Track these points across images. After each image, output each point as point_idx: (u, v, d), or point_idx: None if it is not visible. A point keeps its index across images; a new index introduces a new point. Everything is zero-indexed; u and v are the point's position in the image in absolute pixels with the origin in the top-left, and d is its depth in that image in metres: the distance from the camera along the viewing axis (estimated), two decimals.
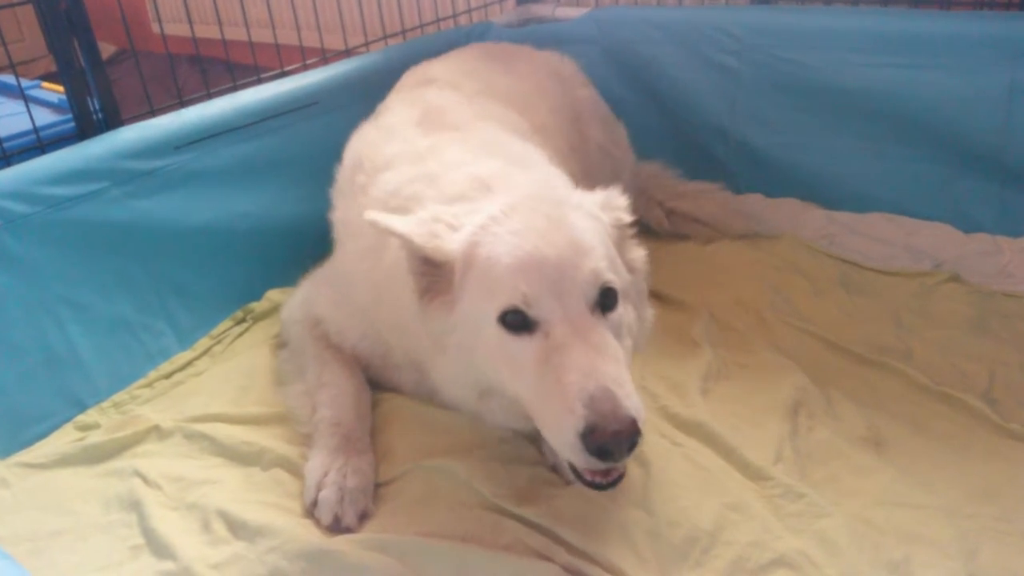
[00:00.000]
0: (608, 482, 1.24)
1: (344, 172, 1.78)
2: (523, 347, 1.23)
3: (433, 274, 1.36)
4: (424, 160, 1.60)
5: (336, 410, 1.57)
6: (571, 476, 1.30)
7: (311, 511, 1.41)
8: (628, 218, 1.43)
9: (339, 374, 1.66)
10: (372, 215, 1.37)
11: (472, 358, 1.33)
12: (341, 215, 1.74)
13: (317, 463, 1.47)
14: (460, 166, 1.53)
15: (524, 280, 1.23)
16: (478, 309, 1.29)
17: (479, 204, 1.38)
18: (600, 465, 1.15)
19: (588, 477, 1.24)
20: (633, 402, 1.15)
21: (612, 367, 1.17)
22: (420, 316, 1.39)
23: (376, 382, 1.72)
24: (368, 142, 1.76)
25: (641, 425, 1.14)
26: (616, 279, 1.29)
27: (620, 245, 1.40)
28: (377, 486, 1.49)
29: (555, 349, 1.19)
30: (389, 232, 1.35)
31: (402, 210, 1.49)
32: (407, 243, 1.35)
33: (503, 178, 1.47)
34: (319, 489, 1.42)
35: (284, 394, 1.71)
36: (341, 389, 1.62)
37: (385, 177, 1.61)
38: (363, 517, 1.41)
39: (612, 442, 1.11)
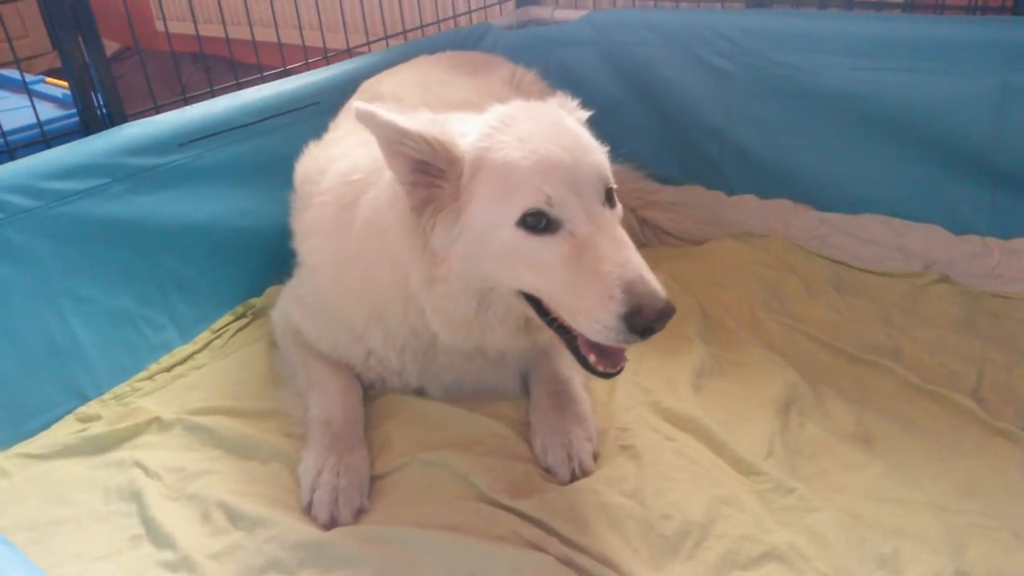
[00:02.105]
0: (616, 371, 1.33)
1: (296, 193, 1.80)
2: (547, 246, 1.28)
3: (430, 184, 1.35)
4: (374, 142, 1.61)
5: (325, 409, 1.59)
6: (579, 365, 1.36)
7: (308, 512, 1.43)
8: (585, 114, 1.51)
9: (326, 374, 1.67)
10: (361, 105, 1.32)
11: (479, 263, 1.34)
12: (299, 228, 1.74)
13: (310, 463, 1.48)
14: None
15: (546, 182, 1.27)
16: (491, 213, 1.31)
17: (467, 120, 1.39)
18: (639, 341, 1.22)
19: (601, 368, 1.33)
20: (659, 284, 1.23)
21: (636, 256, 1.26)
22: (413, 235, 1.37)
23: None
24: (314, 156, 1.78)
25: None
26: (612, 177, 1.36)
27: None
28: (374, 479, 1.51)
29: (585, 245, 1.26)
30: (388, 126, 1.30)
31: (362, 187, 1.52)
32: (412, 137, 1.31)
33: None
34: (313, 490, 1.44)
35: (280, 397, 1.73)
36: (328, 389, 1.64)
37: (336, 166, 1.63)
38: (359, 513, 1.43)
39: (657, 320, 1.20)
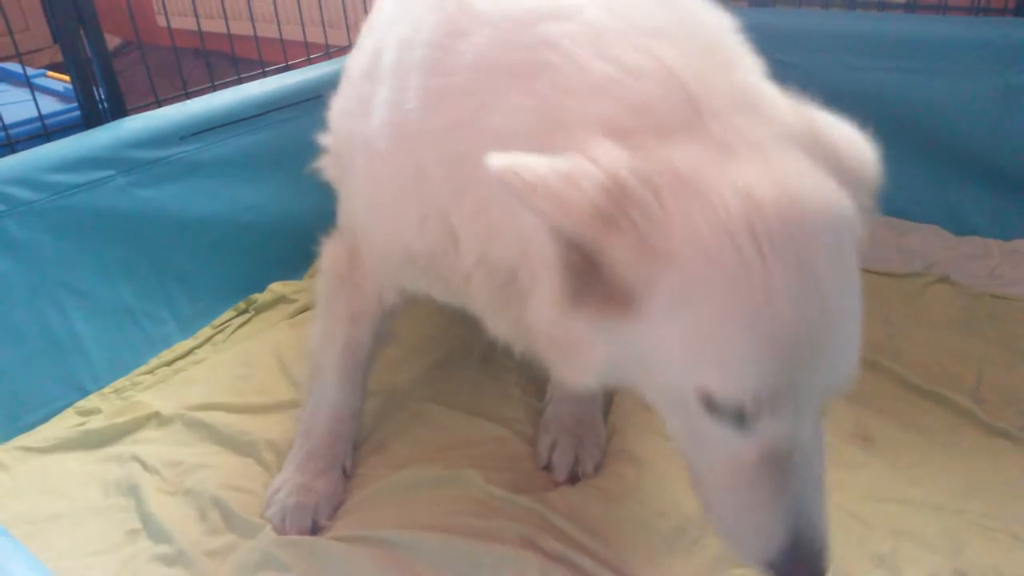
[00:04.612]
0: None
1: (352, 76, 1.33)
2: (721, 435, 0.86)
3: (589, 270, 0.84)
4: None
5: (311, 416, 1.53)
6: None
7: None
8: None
9: (329, 383, 1.52)
10: (496, 158, 0.79)
11: (634, 381, 0.93)
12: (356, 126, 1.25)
13: (278, 478, 1.47)
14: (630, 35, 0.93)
15: (760, 372, 0.79)
16: (661, 345, 0.83)
17: (681, 148, 0.83)
18: None
19: None
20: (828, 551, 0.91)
21: (824, 505, 0.91)
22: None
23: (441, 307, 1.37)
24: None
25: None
26: None
27: None
28: (369, 478, 1.50)
29: (773, 458, 0.86)
30: (529, 203, 0.79)
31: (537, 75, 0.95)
32: (555, 227, 0.82)
33: (723, 107, 0.87)
34: (268, 507, 1.43)
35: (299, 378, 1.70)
36: (324, 398, 1.53)
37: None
38: (315, 530, 1.40)
39: None
